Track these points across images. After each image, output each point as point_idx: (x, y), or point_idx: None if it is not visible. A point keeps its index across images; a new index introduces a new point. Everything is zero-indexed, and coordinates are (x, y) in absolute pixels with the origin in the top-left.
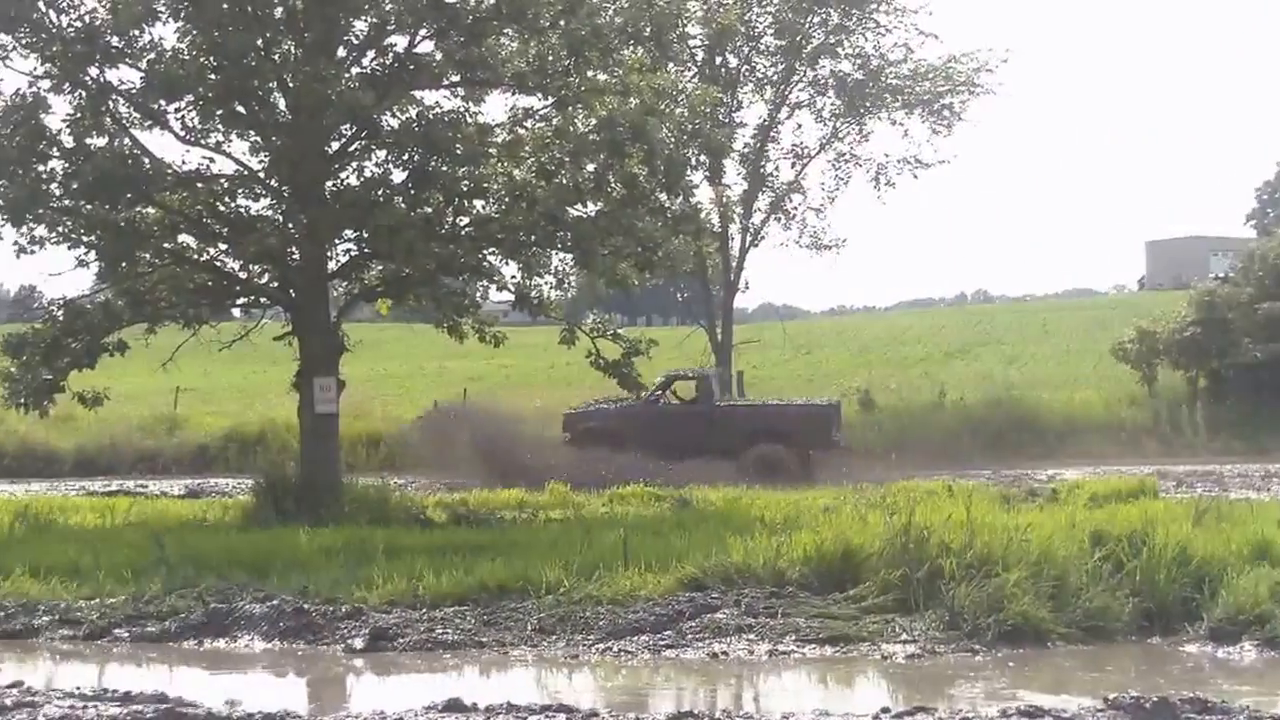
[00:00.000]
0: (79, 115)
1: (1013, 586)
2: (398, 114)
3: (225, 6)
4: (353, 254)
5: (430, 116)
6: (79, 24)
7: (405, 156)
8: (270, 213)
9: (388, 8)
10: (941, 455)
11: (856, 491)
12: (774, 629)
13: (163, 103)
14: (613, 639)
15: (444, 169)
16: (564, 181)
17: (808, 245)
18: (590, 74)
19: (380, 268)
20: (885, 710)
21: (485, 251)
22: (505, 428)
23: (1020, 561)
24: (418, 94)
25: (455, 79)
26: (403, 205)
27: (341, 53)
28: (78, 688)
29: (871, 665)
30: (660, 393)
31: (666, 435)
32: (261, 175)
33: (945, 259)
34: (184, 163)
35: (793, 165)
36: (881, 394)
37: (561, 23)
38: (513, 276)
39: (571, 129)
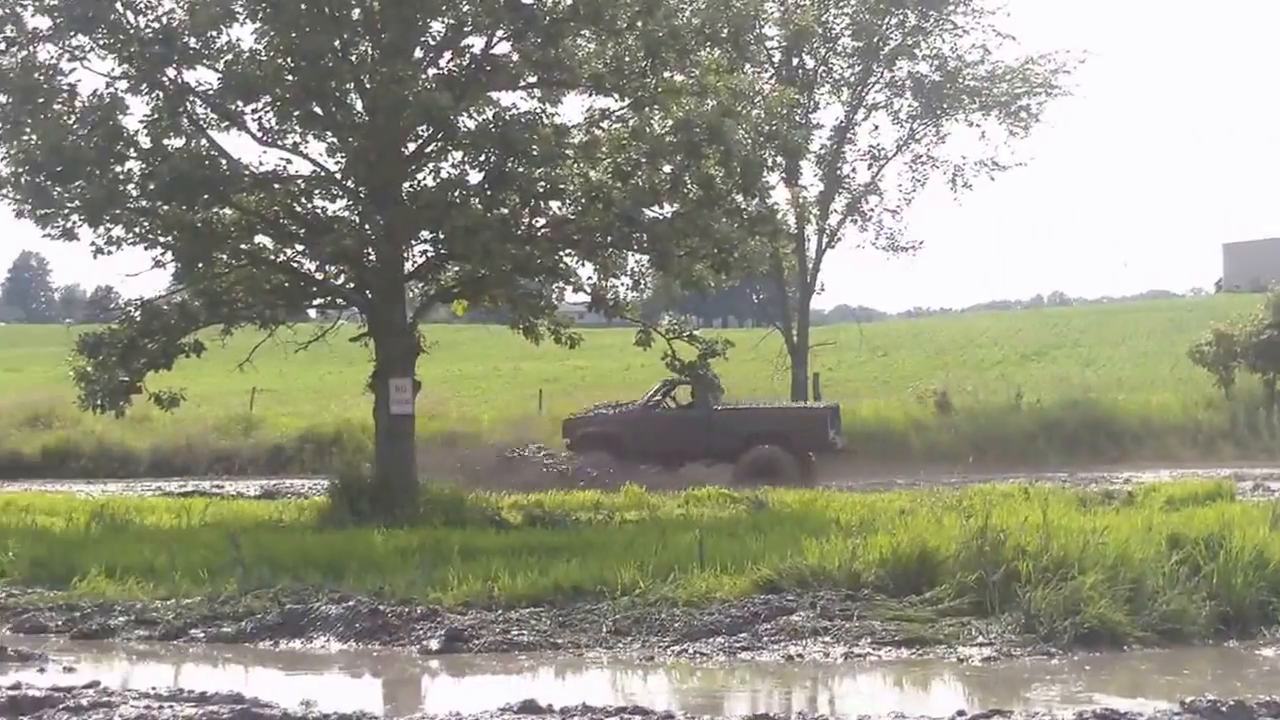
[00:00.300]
0: (156, 116)
1: (1089, 589)
2: (474, 115)
3: (303, 8)
4: (429, 255)
5: (507, 117)
6: (157, 25)
7: (482, 157)
8: (347, 214)
9: (465, 9)
10: (1018, 457)
11: (932, 494)
12: (849, 631)
13: (240, 104)
14: (688, 641)
15: (520, 170)
16: (640, 183)
17: (884, 247)
18: (667, 75)
19: (456, 269)
20: (961, 713)
21: (561, 252)
22: None
23: (1096, 564)
24: (494, 95)
25: (532, 80)
26: (479, 206)
27: (419, 54)
28: (153, 688)
29: (947, 668)
30: (659, 398)
31: (665, 439)
32: (338, 176)
33: (1022, 261)
34: (261, 164)
35: (869, 167)
36: (958, 396)
37: (639, 24)
38: (589, 277)
39: (648, 130)
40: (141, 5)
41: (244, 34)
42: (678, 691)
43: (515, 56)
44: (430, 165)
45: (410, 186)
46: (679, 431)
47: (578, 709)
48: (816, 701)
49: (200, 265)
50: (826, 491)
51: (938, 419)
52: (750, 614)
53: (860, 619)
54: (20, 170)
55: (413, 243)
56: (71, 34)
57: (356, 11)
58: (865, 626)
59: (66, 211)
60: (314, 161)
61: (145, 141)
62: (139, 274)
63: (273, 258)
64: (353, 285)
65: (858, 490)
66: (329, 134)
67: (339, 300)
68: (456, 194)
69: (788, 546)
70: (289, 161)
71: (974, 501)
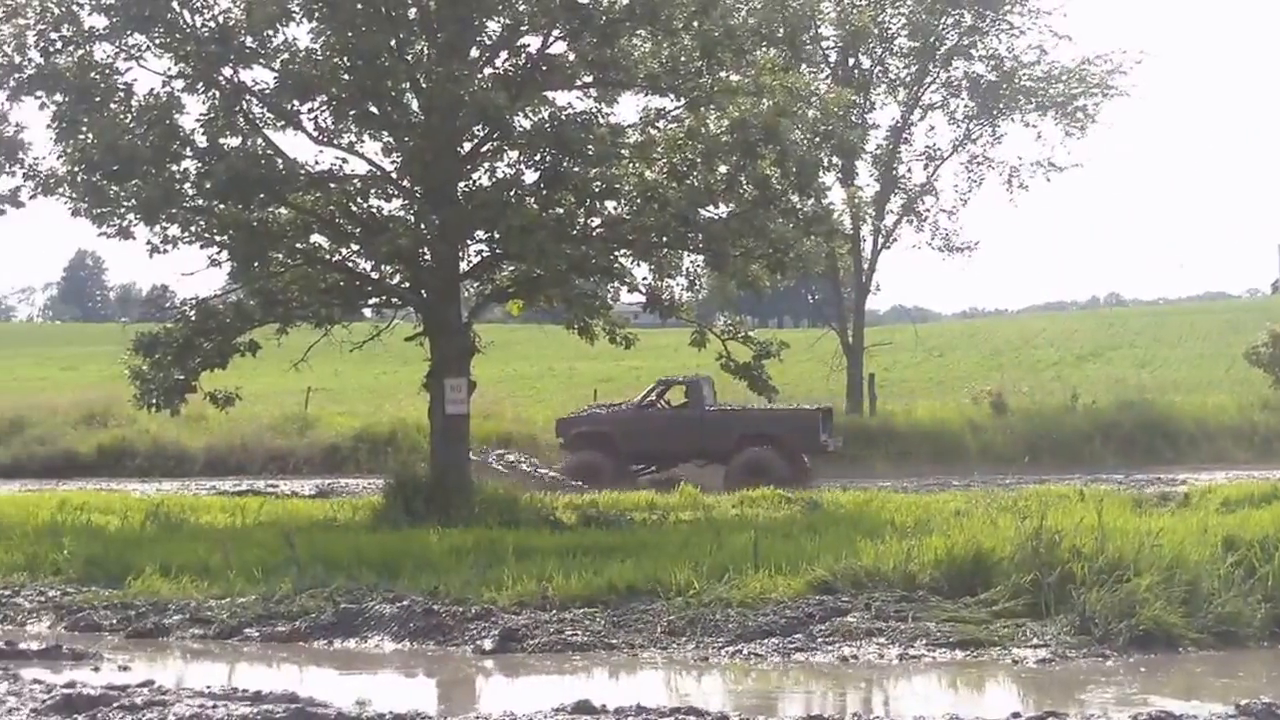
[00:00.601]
0: (212, 115)
1: (1144, 591)
2: (530, 114)
3: (359, 7)
4: (484, 254)
5: (563, 117)
6: (213, 24)
7: (537, 157)
8: (402, 213)
9: (521, 8)
10: (1073, 459)
11: (987, 495)
12: (904, 633)
13: (296, 103)
14: (742, 641)
15: (576, 170)
16: (696, 182)
17: (940, 247)
18: (723, 75)
19: (511, 268)
20: (1016, 715)
21: (616, 252)
22: None
23: (1152, 566)
24: (550, 94)
25: (588, 80)
26: (535, 206)
27: (475, 53)
28: (208, 687)
29: (1002, 670)
30: (653, 398)
31: (658, 440)
32: (394, 176)
33: (1077, 262)
34: (317, 163)
35: (925, 167)
36: (1013, 397)
37: (695, 24)
38: (644, 278)
39: (704, 130)
40: (198, 4)
41: (300, 33)
42: (732, 692)
43: (571, 56)
44: (486, 165)
45: (466, 186)
46: (672, 432)
47: (632, 709)
48: (871, 703)
49: (256, 264)
50: (881, 492)
51: (993, 420)
52: (805, 615)
53: (915, 620)
54: (77, 169)
55: (468, 242)
56: (128, 33)
57: (413, 11)
58: (920, 628)
59: (123, 210)
60: (370, 161)
61: (201, 140)
62: (194, 273)
63: (328, 257)
64: (408, 285)
65: (913, 491)
66: (385, 133)
67: (394, 300)
68: (512, 193)
69: (842, 547)
70: (345, 161)
71: (1029, 503)
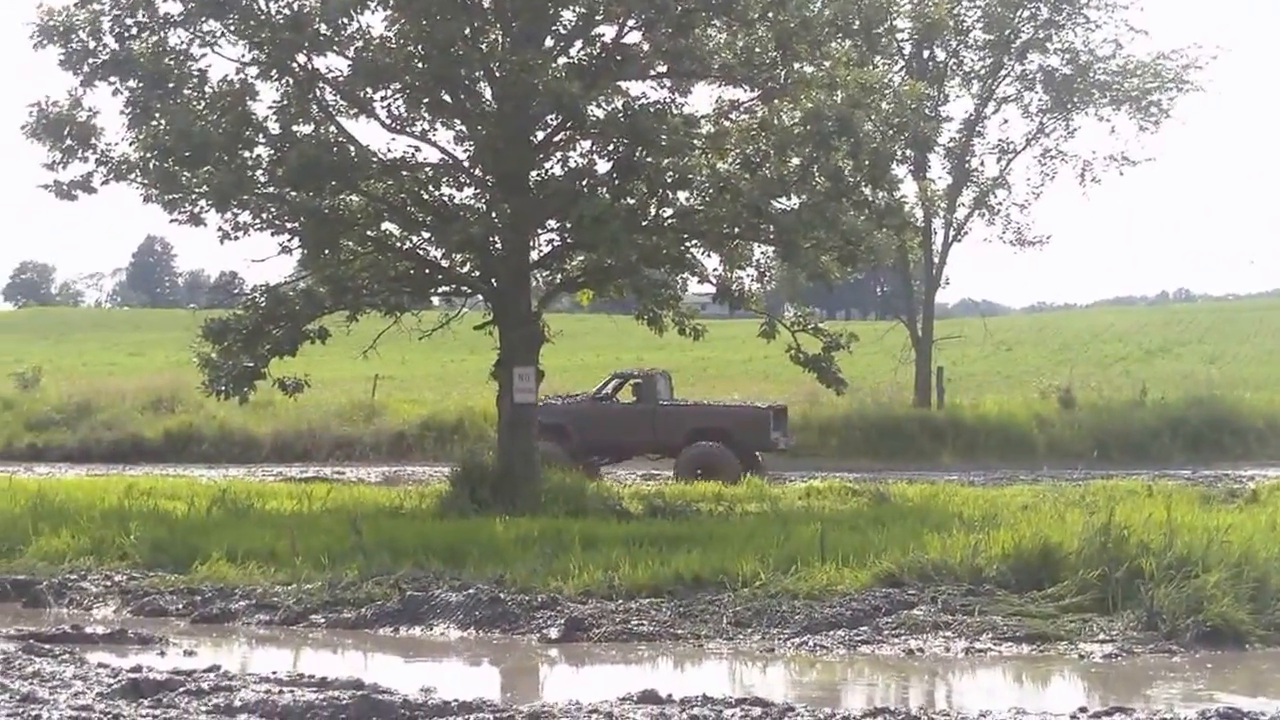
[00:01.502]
0: (286, 102)
1: (1212, 588)
2: (604, 104)
3: None
4: (555, 244)
5: (636, 107)
6: (288, 11)
7: (610, 147)
8: (474, 202)
9: None
10: (1141, 454)
11: (1055, 489)
12: (971, 626)
13: (369, 91)
14: (808, 633)
15: (649, 160)
16: (768, 174)
17: (1011, 241)
18: (798, 67)
19: (582, 258)
20: (1082, 710)
21: (688, 243)
22: None
23: (1220, 563)
24: (624, 84)
25: (662, 70)
26: (607, 196)
27: (549, 42)
28: (274, 672)
29: (1068, 664)
30: (609, 392)
31: (611, 432)
32: (466, 164)
33: (1147, 257)
34: (389, 151)
35: (998, 160)
36: (1082, 392)
37: (770, 15)
38: (715, 269)
39: (777, 121)
40: None
41: (374, 21)
42: (797, 684)
43: (646, 46)
44: (558, 154)
45: (538, 175)
46: (624, 425)
47: (697, 700)
48: (936, 697)
49: (326, 251)
50: (948, 485)
51: (1061, 414)
52: (871, 607)
53: (981, 614)
54: (149, 155)
55: (539, 231)
56: (203, 19)
57: (487, 0)
58: (986, 622)
59: (194, 196)
60: (442, 149)
61: (274, 127)
62: (265, 260)
63: (399, 245)
64: (478, 273)
65: (980, 485)
66: (457, 122)
67: (464, 288)
68: (584, 183)
69: (909, 540)
70: (417, 149)
71: (1097, 498)
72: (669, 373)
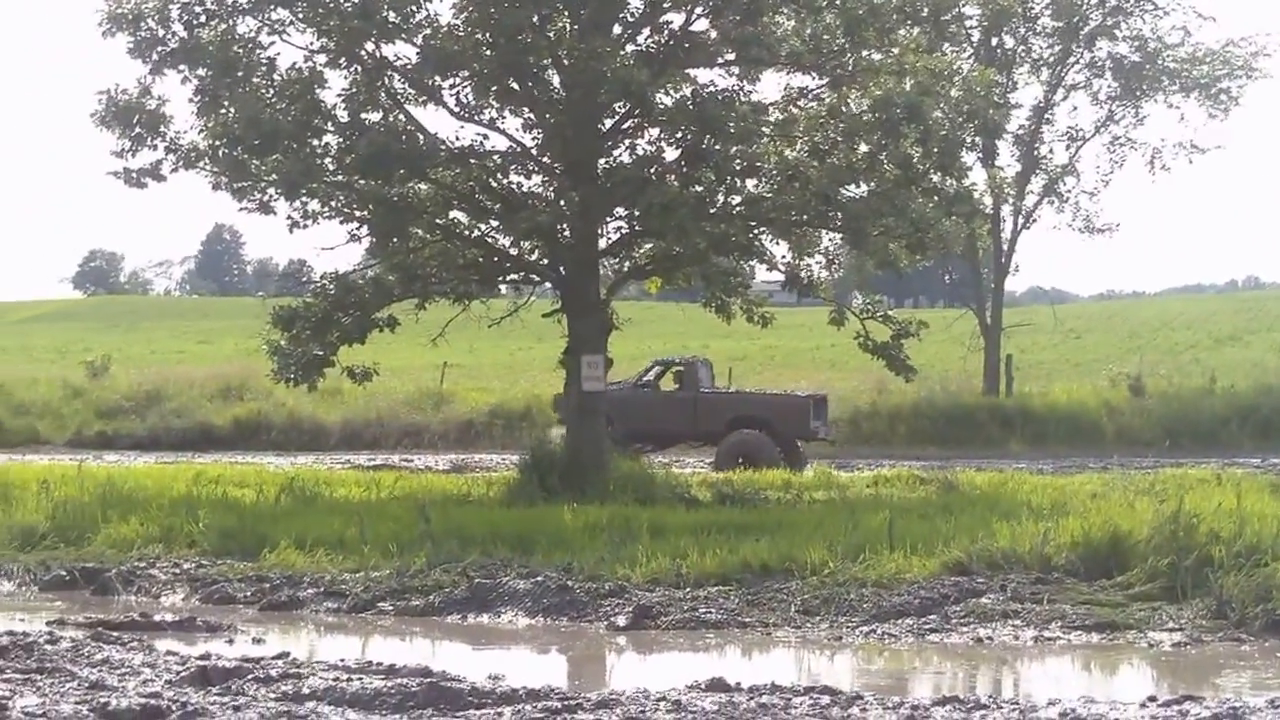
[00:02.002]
0: (354, 90)
1: None
2: (672, 92)
3: None
4: (623, 232)
5: (704, 94)
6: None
7: (679, 134)
8: (542, 190)
9: None
10: (1211, 442)
11: (1124, 478)
12: (1039, 615)
13: (438, 79)
14: (876, 622)
15: (717, 147)
16: (837, 161)
17: (1080, 228)
18: (866, 54)
19: (650, 246)
20: (1151, 698)
21: (756, 231)
22: None
23: None
24: (692, 72)
25: (730, 57)
26: (675, 183)
27: (617, 30)
28: (342, 660)
29: (1137, 653)
30: (651, 379)
31: (652, 420)
32: (534, 152)
33: (1216, 244)
34: (457, 139)
35: (1067, 147)
36: (1151, 380)
37: (838, 2)
38: (783, 256)
39: (846, 109)
40: None
41: (443, 9)
42: (865, 672)
43: (713, 33)
44: (627, 142)
45: (606, 163)
46: (666, 413)
47: (766, 688)
48: (1004, 685)
49: (395, 239)
50: (1017, 473)
51: (1130, 402)
52: (939, 596)
53: (1050, 602)
54: (218, 143)
55: (607, 219)
56: (271, 7)
57: None
58: (1055, 610)
59: (263, 185)
60: (510, 137)
61: (343, 116)
62: (334, 248)
63: (467, 233)
64: (547, 261)
65: (1049, 473)
66: (526, 109)
67: (532, 276)
68: (652, 171)
69: (978, 528)
70: (485, 137)
71: (1166, 486)
72: (710, 361)
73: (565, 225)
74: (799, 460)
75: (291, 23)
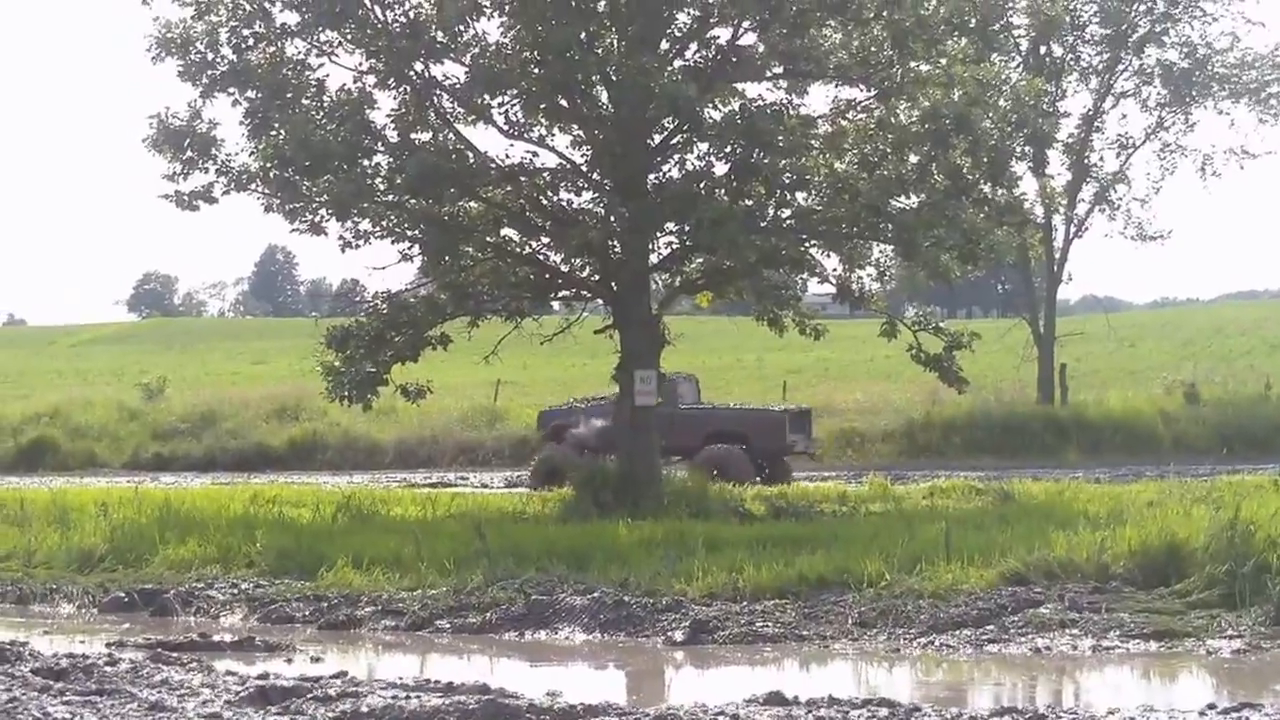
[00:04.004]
0: (404, 110)
1: None
2: (720, 106)
3: (549, 1)
4: (674, 247)
5: (753, 109)
6: (404, 20)
7: (728, 149)
8: (592, 206)
9: (711, 0)
10: (1267, 449)
11: (1181, 485)
12: (1097, 624)
13: (486, 97)
14: (934, 633)
15: (766, 161)
16: (887, 173)
17: (1132, 236)
18: (914, 65)
19: (701, 260)
20: (1211, 706)
21: (807, 243)
22: None
23: None
24: (740, 86)
25: (778, 71)
26: (725, 198)
27: (664, 45)
28: (400, 678)
29: (1196, 661)
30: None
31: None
32: (584, 169)
33: (1270, 249)
34: (507, 157)
35: (1117, 155)
36: (1206, 387)
37: (885, 13)
38: (834, 269)
39: (894, 120)
40: (389, 0)
41: (490, 28)
42: (923, 684)
43: (761, 47)
44: (676, 157)
45: (656, 178)
46: None
47: (824, 701)
48: (1064, 695)
49: (447, 258)
50: (1073, 482)
51: (1186, 410)
52: (997, 606)
53: (1108, 611)
54: (269, 165)
55: (658, 235)
56: (320, 29)
57: (602, 3)
58: (1113, 619)
59: (315, 206)
60: (560, 154)
61: (393, 136)
62: (385, 267)
63: (518, 250)
64: (598, 277)
65: (1105, 482)
66: (575, 126)
67: (584, 293)
68: (702, 185)
69: (1035, 538)
70: (535, 154)
71: (1223, 493)
72: (695, 377)
73: (616, 241)
74: (784, 473)
75: (340, 44)
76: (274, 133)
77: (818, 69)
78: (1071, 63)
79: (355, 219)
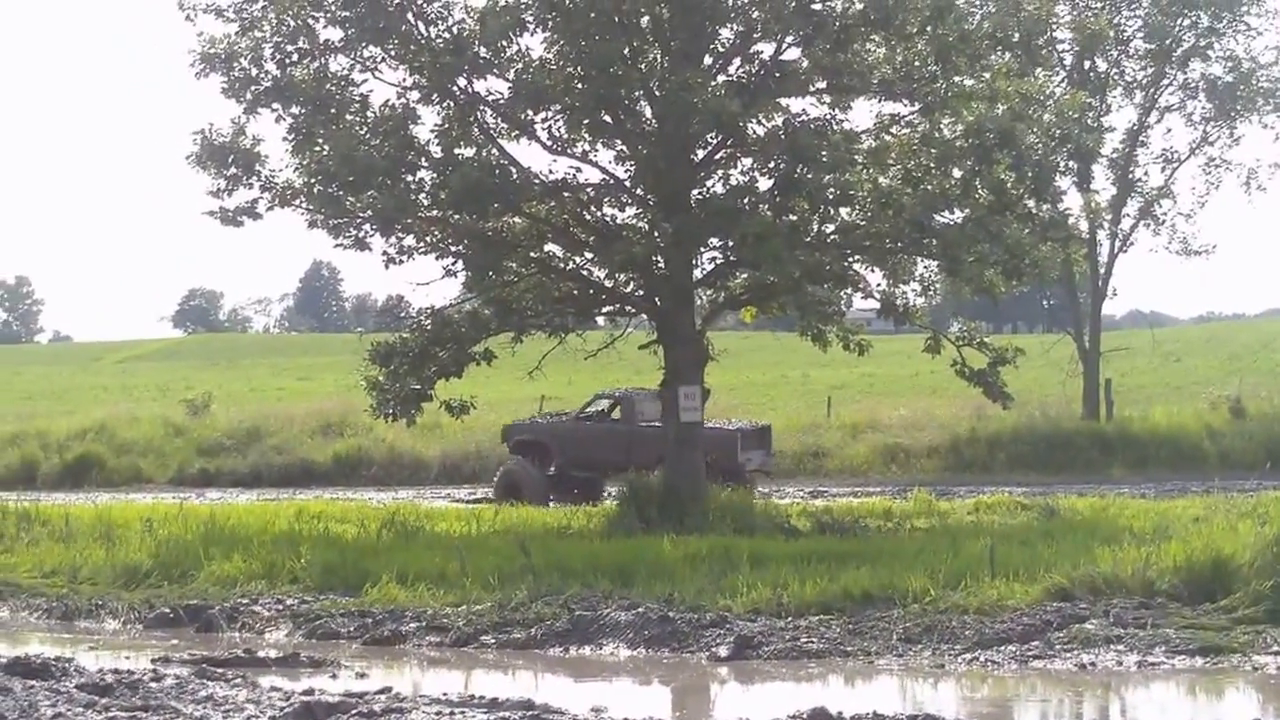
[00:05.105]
0: (447, 126)
1: None
2: (764, 121)
3: (592, 16)
4: (718, 262)
5: (796, 124)
6: (447, 35)
7: (771, 164)
8: (636, 221)
9: (754, 15)
10: None
11: (1227, 501)
12: (1143, 640)
13: (530, 113)
14: (979, 649)
15: (810, 176)
16: (931, 188)
17: (1177, 251)
18: (957, 80)
19: (745, 276)
20: None
21: (850, 259)
22: None
23: None
24: (784, 101)
25: (821, 86)
26: (768, 213)
27: (708, 60)
28: (445, 694)
29: (1242, 677)
30: (597, 410)
31: (591, 451)
32: (627, 184)
33: None
34: (550, 172)
35: (1162, 170)
36: (1252, 402)
37: (929, 29)
38: (878, 284)
39: (938, 135)
40: (432, 16)
41: (534, 43)
42: (969, 700)
43: (805, 62)
44: (719, 172)
45: (699, 193)
46: (603, 444)
47: (868, 717)
48: (1109, 711)
49: (491, 274)
50: (1118, 498)
51: (1231, 425)
52: (1042, 622)
53: (1154, 627)
54: (313, 180)
55: (702, 250)
56: (364, 45)
57: (645, 19)
58: (1159, 635)
59: (359, 221)
60: (603, 169)
61: (436, 151)
62: (429, 283)
63: (562, 266)
64: (642, 293)
65: (1150, 497)
66: (618, 142)
67: (628, 308)
68: (746, 201)
69: (1080, 554)
70: (578, 170)
71: (1269, 508)
72: (658, 392)
73: (659, 257)
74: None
75: (383, 60)
76: (318, 148)
77: (861, 84)
78: (1115, 77)
79: (399, 234)
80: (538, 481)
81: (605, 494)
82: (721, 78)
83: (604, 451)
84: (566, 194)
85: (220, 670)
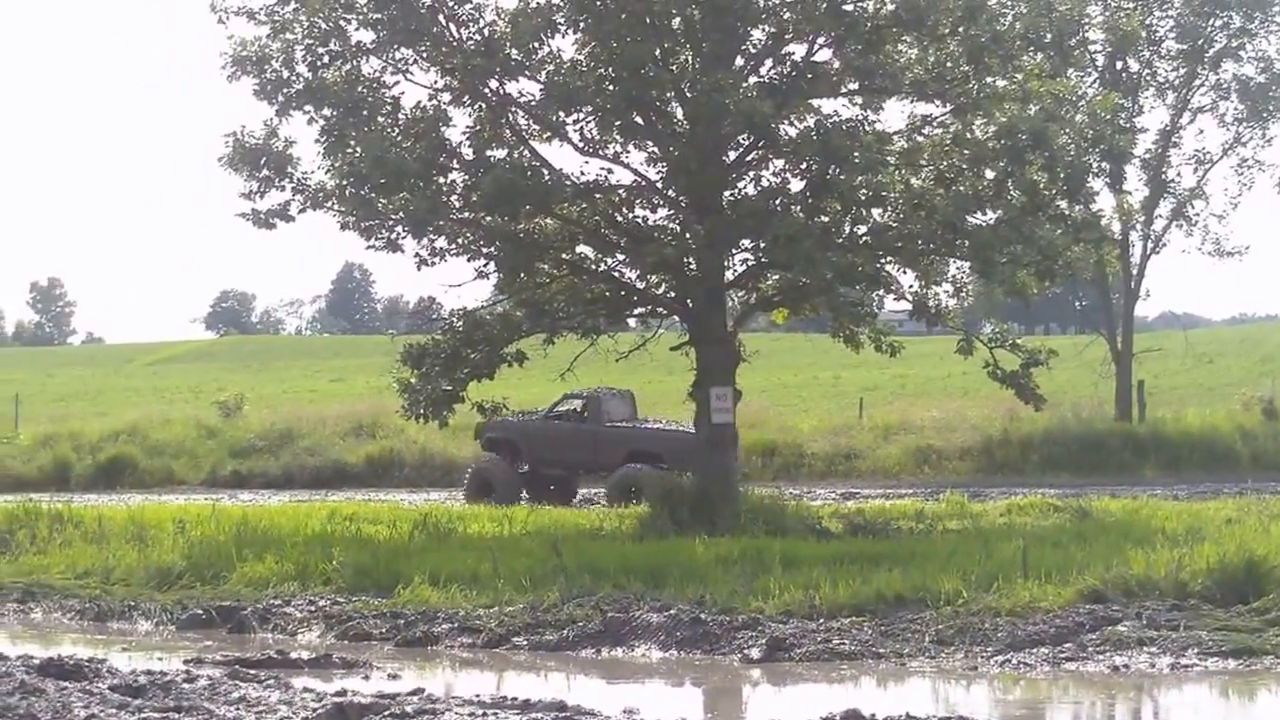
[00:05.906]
0: (479, 128)
1: None
2: (795, 122)
3: (623, 18)
4: (750, 263)
5: (828, 125)
6: (479, 37)
7: (803, 165)
8: (668, 223)
9: (785, 16)
10: None
11: (1260, 502)
12: (1175, 642)
13: (561, 114)
14: (1011, 651)
15: (842, 178)
16: (963, 189)
17: (1210, 252)
18: (990, 80)
19: (777, 277)
20: None
21: (883, 260)
22: None
23: None
24: (815, 102)
25: (853, 87)
26: (800, 214)
27: (739, 62)
28: (476, 695)
29: (1275, 679)
30: (565, 410)
31: (558, 450)
32: (659, 185)
33: None
34: (582, 174)
35: (1195, 170)
36: None
37: (961, 29)
38: (910, 285)
39: (970, 136)
40: (464, 18)
41: (565, 45)
42: (1001, 702)
43: (836, 63)
44: (751, 173)
45: (731, 195)
46: (571, 444)
47: (901, 718)
48: (1142, 713)
49: (522, 275)
50: (1151, 500)
51: (1264, 426)
52: (1074, 624)
53: (1187, 629)
54: (345, 182)
55: (733, 251)
56: (395, 47)
57: (677, 21)
58: (1191, 637)
59: (391, 223)
60: (635, 171)
61: (468, 153)
62: (461, 285)
63: (594, 267)
64: (673, 294)
65: (1183, 499)
66: (650, 143)
67: (660, 309)
68: (778, 202)
69: (1112, 556)
70: (610, 171)
71: None
72: (631, 393)
73: (691, 258)
74: None
75: (415, 62)
76: (350, 150)
77: (893, 85)
78: (1148, 78)
79: (431, 236)
80: (509, 480)
81: (576, 495)
82: (753, 79)
83: (570, 451)
84: (598, 195)
85: (253, 671)
